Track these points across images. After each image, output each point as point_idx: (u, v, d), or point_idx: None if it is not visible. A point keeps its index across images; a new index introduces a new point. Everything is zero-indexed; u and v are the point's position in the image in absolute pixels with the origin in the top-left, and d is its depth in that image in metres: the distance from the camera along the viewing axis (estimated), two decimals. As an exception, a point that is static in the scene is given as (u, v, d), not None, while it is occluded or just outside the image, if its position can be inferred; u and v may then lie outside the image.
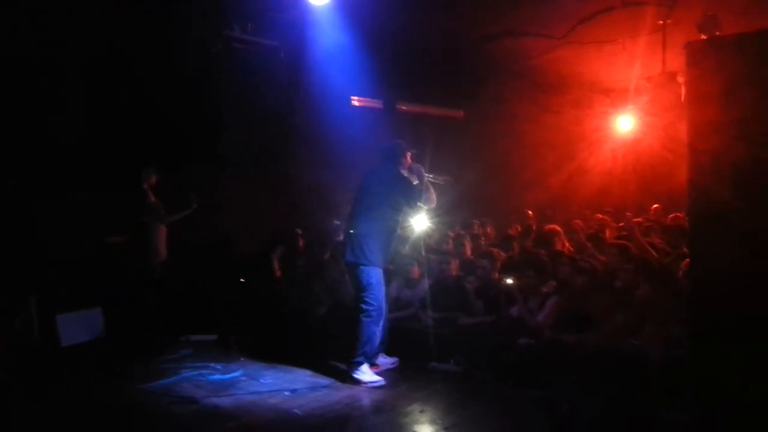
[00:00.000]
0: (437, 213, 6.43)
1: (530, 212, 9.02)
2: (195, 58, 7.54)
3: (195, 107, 7.46)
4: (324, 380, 5.19)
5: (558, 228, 6.65)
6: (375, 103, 9.76)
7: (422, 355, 5.46)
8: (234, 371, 5.48)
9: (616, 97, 9.74)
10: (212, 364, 5.67)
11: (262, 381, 5.22)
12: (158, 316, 6.34)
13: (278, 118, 8.39)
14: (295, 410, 4.50)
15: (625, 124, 9.29)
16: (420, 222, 6.07)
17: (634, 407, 4.07)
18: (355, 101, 9.52)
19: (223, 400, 4.77)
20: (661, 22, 7.22)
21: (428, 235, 6.88)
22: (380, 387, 5.01)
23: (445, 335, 5.51)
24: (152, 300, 6.33)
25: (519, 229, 7.82)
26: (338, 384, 5.10)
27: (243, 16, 7.69)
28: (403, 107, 9.99)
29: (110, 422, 4.51)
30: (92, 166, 6.59)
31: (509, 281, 5.36)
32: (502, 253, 6.28)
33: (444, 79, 9.27)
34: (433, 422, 4.31)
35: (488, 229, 8.31)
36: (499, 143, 9.96)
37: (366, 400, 4.78)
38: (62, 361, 5.91)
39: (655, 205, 8.09)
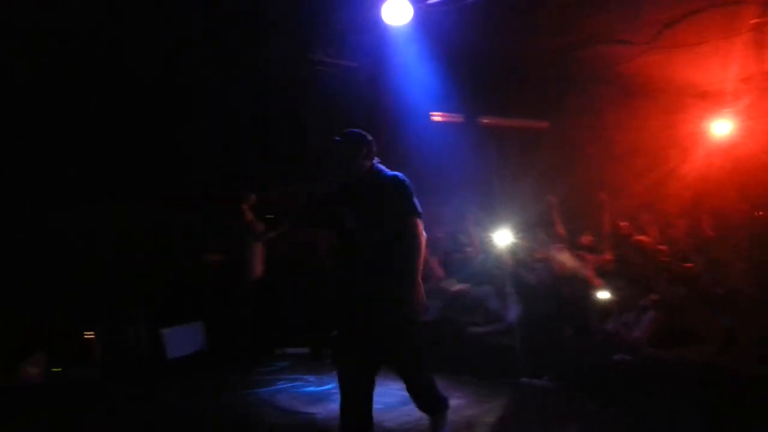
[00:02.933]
0: (524, 227, 6.40)
1: (623, 223, 8.73)
2: (282, 82, 7.89)
3: (283, 129, 7.77)
4: (414, 394, 5.22)
5: (653, 238, 6.42)
6: (456, 118, 9.77)
7: (514, 370, 5.40)
8: (327, 384, 5.61)
9: (712, 100, 9.27)
10: (306, 377, 5.86)
11: (353, 394, 5.31)
12: (255, 330, 6.60)
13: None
14: (386, 424, 4.56)
15: (721, 128, 8.85)
16: (504, 236, 6.04)
17: None
18: (436, 117, 9.57)
19: (318, 412, 4.91)
20: (757, 20, 6.87)
21: (515, 249, 6.83)
22: (470, 403, 4.98)
23: (537, 349, 5.43)
24: (249, 315, 6.60)
25: (611, 239, 7.59)
26: (430, 398, 5.11)
27: (325, 40, 7.98)
28: (486, 120, 9.95)
29: (208, 427, 4.77)
30: (193, 188, 6.99)
31: (604, 294, 5.21)
32: (593, 264, 6.13)
33: (527, 90, 9.18)
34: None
35: (583, 240, 8.12)
36: (586, 153, 9.73)
37: (457, 415, 4.77)
38: (168, 372, 6.29)
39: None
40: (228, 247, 6.72)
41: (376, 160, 4.01)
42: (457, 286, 6.56)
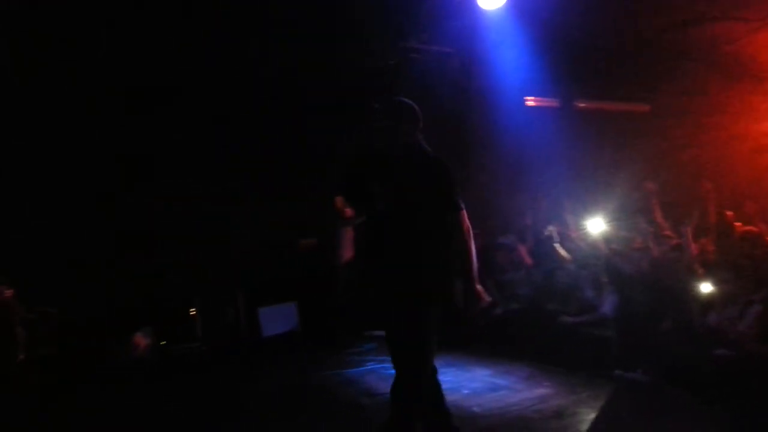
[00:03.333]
0: (622, 215, 6.19)
1: (729, 212, 8.21)
2: (372, 70, 7.98)
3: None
4: (502, 381, 5.21)
5: (760, 228, 6.00)
6: (551, 102, 9.53)
7: (607, 362, 5.25)
8: (415, 367, 5.68)
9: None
10: (395, 360, 5.93)
11: (441, 377, 5.34)
12: (344, 312, 6.77)
13: (454, 124, 8.55)
14: (474, 408, 4.56)
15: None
16: (597, 224, 5.87)
17: None
18: (530, 101, 9.37)
19: (405, 394, 4.97)
20: None
21: (611, 238, 6.60)
22: (560, 393, 4.90)
23: (633, 341, 5.24)
24: (339, 297, 6.78)
25: (715, 229, 7.17)
26: (518, 386, 5.08)
27: (418, 27, 7.97)
28: (582, 104, 9.63)
29: (299, 403, 4.97)
30: (290, 175, 7.22)
31: (706, 286, 4.95)
32: (695, 254, 5.81)
33: (627, 73, 8.79)
34: (614, 433, 4.11)
35: (685, 229, 7.72)
36: (689, 139, 9.21)
37: (546, 404, 4.71)
38: (262, 349, 6.59)
39: None
40: (319, 231, 6.91)
41: (421, 137, 3.47)
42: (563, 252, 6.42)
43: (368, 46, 7.70)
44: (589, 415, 4.37)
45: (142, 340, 6.42)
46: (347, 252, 7.00)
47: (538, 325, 6.00)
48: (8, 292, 3.23)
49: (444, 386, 5.05)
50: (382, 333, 6.77)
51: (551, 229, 6.61)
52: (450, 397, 4.81)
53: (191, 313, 6.76)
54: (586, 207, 6.98)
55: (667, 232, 6.15)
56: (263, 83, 7.17)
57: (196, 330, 6.75)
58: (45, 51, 6.17)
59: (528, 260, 6.87)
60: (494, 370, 5.49)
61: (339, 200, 6.86)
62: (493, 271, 6.96)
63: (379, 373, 5.61)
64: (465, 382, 5.20)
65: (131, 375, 5.93)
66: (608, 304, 5.82)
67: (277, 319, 6.98)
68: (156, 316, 6.66)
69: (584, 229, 6.77)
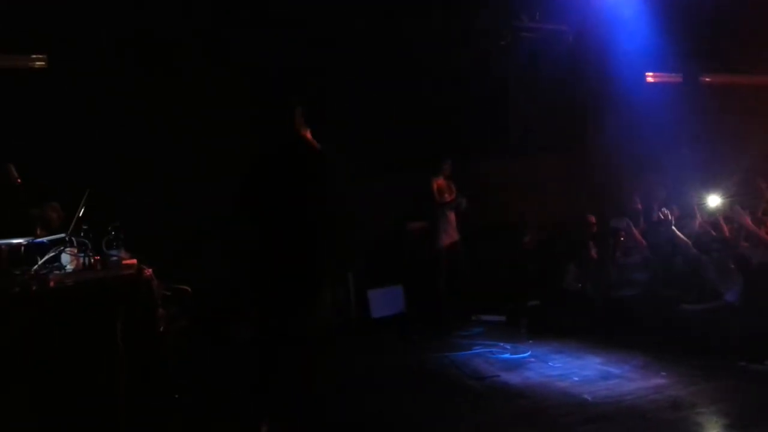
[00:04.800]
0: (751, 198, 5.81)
1: None
2: (483, 51, 7.90)
3: (484, 98, 7.80)
4: (615, 369, 5.05)
5: None
6: (673, 78, 9.05)
7: (730, 352, 4.96)
8: (523, 352, 5.66)
9: None
10: (502, 344, 5.94)
11: (551, 364, 5.31)
12: (451, 296, 6.83)
13: (568, 102, 8.32)
14: (585, 396, 4.49)
15: None
16: (724, 207, 5.54)
17: None
18: (650, 77, 8.95)
19: (513, 379, 4.98)
20: None
21: (738, 223, 6.20)
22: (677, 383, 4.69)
23: (760, 331, 4.91)
24: (445, 280, 6.85)
25: None
26: (632, 375, 4.91)
27: (530, 5, 7.79)
28: (708, 79, 9.06)
29: (406, 383, 5.07)
30: (397, 157, 7.32)
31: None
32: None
33: (757, 44, 8.14)
34: (734, 428, 3.88)
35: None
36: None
37: (662, 394, 4.53)
38: (371, 330, 6.80)
39: None
40: (425, 215, 7.00)
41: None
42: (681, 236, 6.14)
43: (479, 26, 7.63)
44: (709, 408, 4.15)
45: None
46: (449, 236, 7.06)
47: (655, 312, 5.77)
48: (148, 271, 3.59)
49: (553, 373, 5.07)
50: (489, 317, 6.84)
51: (666, 212, 6.30)
52: (560, 384, 4.80)
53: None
54: (708, 187, 6.62)
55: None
56: (375, 63, 7.29)
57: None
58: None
59: (643, 244, 6.61)
60: (606, 358, 5.33)
61: (437, 184, 6.91)
62: (608, 256, 6.77)
63: (486, 357, 5.64)
64: (575, 370, 5.11)
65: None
66: (734, 293, 5.49)
67: (385, 301, 7.15)
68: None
69: (705, 210, 6.42)
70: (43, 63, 6.36)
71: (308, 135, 3.51)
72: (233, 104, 6.56)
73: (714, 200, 6.28)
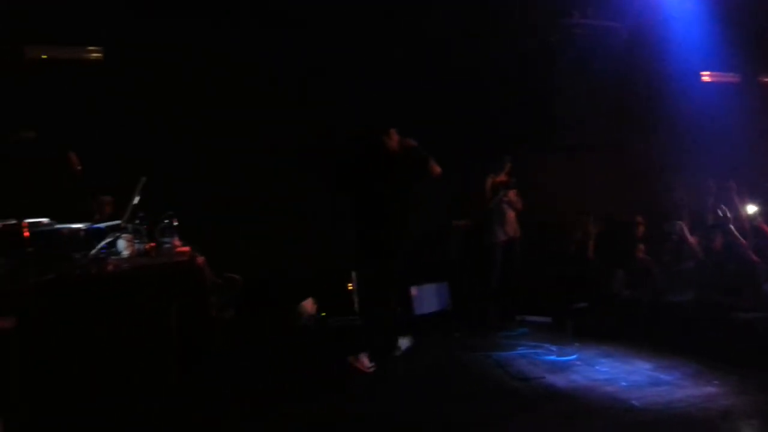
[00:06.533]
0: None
1: None
2: (533, 48, 7.80)
3: (535, 96, 7.71)
4: (665, 376, 4.91)
5: None
6: (731, 77, 8.79)
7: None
8: (569, 355, 5.56)
9: None
10: (547, 345, 5.85)
11: (597, 368, 5.20)
12: (497, 295, 6.76)
13: (620, 100, 8.16)
14: (633, 401, 4.39)
15: None
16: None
17: None
18: (706, 77, 8.72)
19: (558, 381, 4.88)
20: None
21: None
22: (729, 393, 4.53)
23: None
24: (497, 278, 6.78)
25: None
26: (682, 382, 4.76)
27: (584, 1, 7.65)
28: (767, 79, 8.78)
29: (447, 382, 5.04)
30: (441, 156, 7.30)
31: None
32: None
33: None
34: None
35: None
36: None
37: (714, 403, 4.39)
38: (414, 327, 6.77)
39: None
40: (471, 213, 6.95)
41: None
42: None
43: (530, 23, 7.54)
44: (761, 420, 4.01)
45: (309, 308, 6.86)
46: (502, 233, 6.99)
47: (708, 319, 5.59)
48: (200, 259, 3.67)
49: (600, 377, 4.96)
50: (534, 318, 6.75)
51: (724, 208, 6.11)
52: (607, 388, 4.70)
53: (349, 288, 7.09)
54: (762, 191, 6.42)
55: None
56: (422, 61, 7.28)
57: (352, 304, 7.05)
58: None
59: (696, 249, 6.42)
60: (656, 364, 5.19)
61: (492, 181, 6.87)
62: (660, 262, 6.62)
63: (531, 358, 5.56)
64: (623, 374, 4.99)
65: (302, 340, 6.39)
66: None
67: (429, 298, 7.12)
68: (317, 288, 7.06)
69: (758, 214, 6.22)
70: (99, 55, 6.58)
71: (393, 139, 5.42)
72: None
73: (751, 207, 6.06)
